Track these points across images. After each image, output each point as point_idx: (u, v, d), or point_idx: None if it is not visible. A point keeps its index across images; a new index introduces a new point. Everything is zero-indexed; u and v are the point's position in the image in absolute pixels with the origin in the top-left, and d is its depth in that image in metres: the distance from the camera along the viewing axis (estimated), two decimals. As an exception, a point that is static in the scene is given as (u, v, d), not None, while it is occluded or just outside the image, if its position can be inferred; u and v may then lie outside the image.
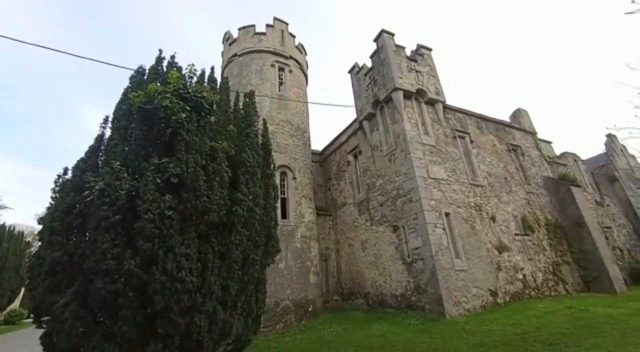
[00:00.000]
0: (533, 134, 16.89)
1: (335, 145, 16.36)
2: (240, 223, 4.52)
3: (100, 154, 4.79)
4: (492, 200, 12.23)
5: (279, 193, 12.83)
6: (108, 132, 4.95)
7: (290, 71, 16.24)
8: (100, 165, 4.64)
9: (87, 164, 4.55)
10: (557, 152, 19.17)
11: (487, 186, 12.46)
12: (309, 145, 15.77)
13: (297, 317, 10.62)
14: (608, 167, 18.73)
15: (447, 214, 10.34)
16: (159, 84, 5.07)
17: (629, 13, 6.16)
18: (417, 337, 7.43)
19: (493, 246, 11.04)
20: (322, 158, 17.69)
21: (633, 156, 19.57)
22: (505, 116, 17.29)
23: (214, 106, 5.04)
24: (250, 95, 7.22)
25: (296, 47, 17.50)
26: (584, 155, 19.82)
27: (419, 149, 11.08)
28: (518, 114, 17.37)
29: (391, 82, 11.96)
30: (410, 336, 7.67)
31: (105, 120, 5.04)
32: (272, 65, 15.71)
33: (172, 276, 3.52)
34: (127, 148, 4.61)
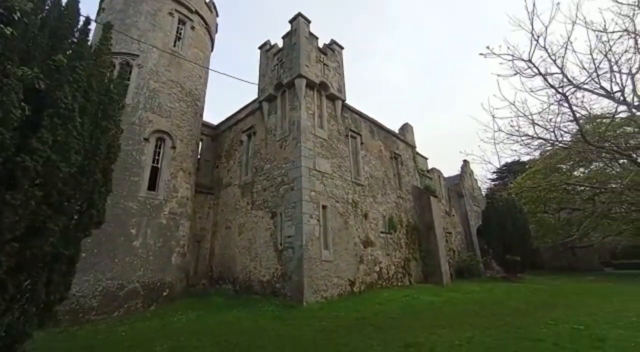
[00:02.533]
0: (413, 147, 19.37)
1: (232, 121, 15.18)
2: (28, 179, 3.33)
3: None
4: (368, 199, 13.36)
5: (151, 161, 11.03)
6: None
7: (193, 28, 14.23)
8: None
9: None
10: (429, 166, 22.70)
11: (367, 186, 13.55)
12: (201, 116, 14.18)
13: (146, 302, 9.29)
14: (459, 185, 23.18)
15: (324, 207, 10.70)
16: None
17: (482, 54, 7.30)
18: (268, 324, 7.36)
19: (360, 241, 12.04)
20: (216, 133, 16.20)
21: (476, 179, 24.84)
22: (389, 125, 19.23)
23: (19, 15, 3.60)
24: (108, 27, 5.68)
25: (206, 3, 15.44)
26: (447, 173, 24.11)
27: (310, 139, 11.13)
28: (405, 127, 19.67)
29: (297, 68, 11.65)
30: (263, 322, 7.56)
31: None
32: (171, 14, 13.42)
33: None
34: None
